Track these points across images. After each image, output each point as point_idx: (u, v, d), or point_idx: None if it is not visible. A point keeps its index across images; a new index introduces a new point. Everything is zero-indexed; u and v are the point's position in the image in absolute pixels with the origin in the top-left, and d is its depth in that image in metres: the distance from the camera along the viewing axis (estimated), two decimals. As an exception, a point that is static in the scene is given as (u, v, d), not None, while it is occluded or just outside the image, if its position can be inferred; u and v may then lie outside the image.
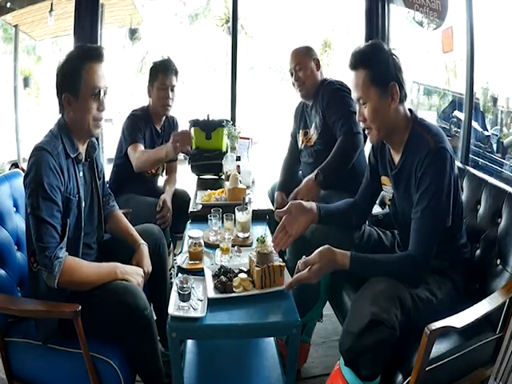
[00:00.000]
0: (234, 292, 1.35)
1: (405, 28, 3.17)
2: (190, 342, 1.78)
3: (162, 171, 2.46)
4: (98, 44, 2.77)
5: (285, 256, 1.74)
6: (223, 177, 2.41)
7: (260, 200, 2.12)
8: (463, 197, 1.62)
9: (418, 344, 1.14)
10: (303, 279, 1.34)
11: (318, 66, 2.19)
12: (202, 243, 1.56)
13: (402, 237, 1.55)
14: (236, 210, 1.74)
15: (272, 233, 1.60)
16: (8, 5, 3.86)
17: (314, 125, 2.20)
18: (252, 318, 1.32)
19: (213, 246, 1.68)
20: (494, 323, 1.37)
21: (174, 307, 1.28)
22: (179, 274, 1.40)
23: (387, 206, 1.60)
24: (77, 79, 1.36)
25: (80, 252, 1.42)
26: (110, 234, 1.67)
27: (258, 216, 1.88)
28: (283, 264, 1.40)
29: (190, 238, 1.54)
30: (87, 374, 1.27)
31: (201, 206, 1.99)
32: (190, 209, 2.03)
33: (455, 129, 4.31)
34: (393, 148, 1.47)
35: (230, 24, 3.12)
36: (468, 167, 1.78)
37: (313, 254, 1.35)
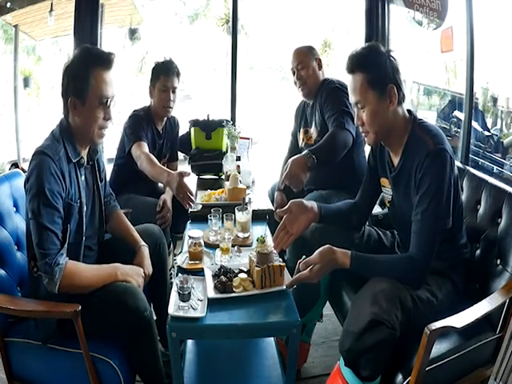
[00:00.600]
0: (234, 292, 1.35)
1: (405, 28, 3.16)
2: (190, 342, 1.78)
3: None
4: (98, 44, 2.77)
5: (285, 256, 1.74)
6: (223, 177, 2.41)
7: (260, 200, 2.12)
8: (463, 197, 1.62)
9: (418, 344, 1.14)
10: (304, 279, 1.34)
11: (320, 66, 2.19)
12: (202, 243, 1.56)
13: (402, 238, 1.55)
14: (236, 210, 1.74)
15: (272, 233, 1.60)
16: (8, 5, 3.85)
17: (314, 123, 2.20)
18: (252, 318, 1.32)
19: (213, 246, 1.68)
20: (494, 323, 1.37)
21: (174, 307, 1.28)
22: (179, 274, 1.40)
23: (387, 207, 1.60)
24: (84, 84, 1.34)
25: (81, 255, 1.42)
26: (110, 233, 1.67)
27: (258, 216, 1.89)
28: (283, 264, 1.41)
29: (190, 237, 1.54)
30: (87, 374, 1.27)
31: (201, 205, 1.99)
32: (190, 209, 2.03)
33: (455, 129, 4.31)
34: (392, 150, 1.46)
35: (230, 24, 3.11)
36: (468, 167, 1.77)
37: (313, 255, 1.35)
